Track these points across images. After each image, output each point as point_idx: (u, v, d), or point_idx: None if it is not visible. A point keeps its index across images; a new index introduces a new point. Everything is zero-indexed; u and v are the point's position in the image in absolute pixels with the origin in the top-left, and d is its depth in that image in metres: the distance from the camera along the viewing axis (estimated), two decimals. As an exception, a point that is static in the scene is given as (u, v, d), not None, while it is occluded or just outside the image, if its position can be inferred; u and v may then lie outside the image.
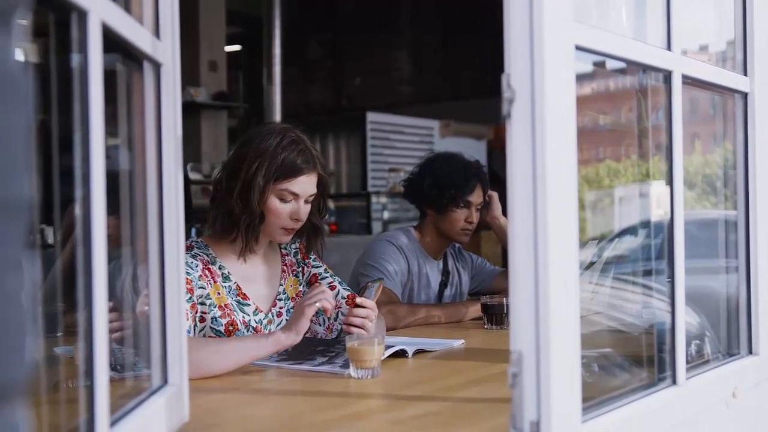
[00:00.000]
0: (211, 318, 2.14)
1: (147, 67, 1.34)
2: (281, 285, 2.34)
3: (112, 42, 1.11)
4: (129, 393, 1.32)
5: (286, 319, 2.29)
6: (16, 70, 0.58)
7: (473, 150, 6.64)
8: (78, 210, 1.03)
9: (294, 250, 2.42)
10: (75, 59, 1.02)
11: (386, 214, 7.55)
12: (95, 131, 1.02)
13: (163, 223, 1.37)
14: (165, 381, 1.37)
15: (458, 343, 2.34)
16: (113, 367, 1.23)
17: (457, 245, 3.19)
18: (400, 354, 2.10)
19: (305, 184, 2.20)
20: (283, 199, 2.18)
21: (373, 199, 7.49)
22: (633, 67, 1.60)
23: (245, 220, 2.17)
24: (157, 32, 1.35)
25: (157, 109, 1.36)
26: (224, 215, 2.19)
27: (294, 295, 2.36)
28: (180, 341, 1.40)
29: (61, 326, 1.73)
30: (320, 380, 1.85)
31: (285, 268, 2.37)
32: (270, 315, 2.28)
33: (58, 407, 1.24)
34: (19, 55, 0.60)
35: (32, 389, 0.63)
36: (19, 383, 0.58)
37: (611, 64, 1.53)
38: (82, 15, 0.99)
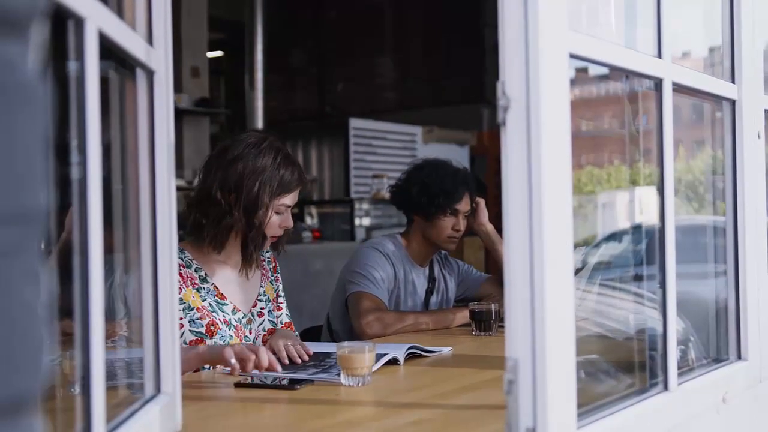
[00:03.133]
0: (190, 321, 2.19)
1: (140, 75, 1.33)
2: (262, 287, 2.41)
3: (107, 49, 1.11)
4: (122, 402, 1.31)
5: (269, 320, 2.39)
6: (33, 80, 0.58)
7: (456, 156, 6.64)
8: (70, 217, 1.03)
9: (268, 259, 2.49)
10: (71, 66, 1.01)
11: (369, 221, 7.53)
12: (92, 138, 1.01)
13: (156, 231, 1.36)
14: (158, 390, 1.36)
15: (447, 350, 2.34)
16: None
17: (443, 252, 3.19)
18: (392, 361, 2.10)
19: (296, 196, 2.32)
20: (278, 213, 2.28)
21: (357, 205, 7.47)
22: (616, 73, 1.61)
23: (254, 239, 2.25)
24: (150, 39, 1.35)
25: (150, 116, 1.36)
26: (225, 231, 2.24)
27: (271, 299, 2.43)
28: (173, 350, 1.39)
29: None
30: (311, 388, 1.84)
31: (264, 271, 2.45)
32: (250, 315, 2.34)
33: (50, 416, 1.23)
34: (36, 64, 0.59)
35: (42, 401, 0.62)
36: (37, 393, 0.58)
37: (593, 69, 1.54)
38: (79, 22, 0.99)
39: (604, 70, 1.57)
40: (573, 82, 1.52)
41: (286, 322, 2.45)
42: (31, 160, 0.57)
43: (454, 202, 2.98)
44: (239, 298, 2.33)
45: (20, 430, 0.56)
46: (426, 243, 3.06)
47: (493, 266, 3.45)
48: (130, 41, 1.21)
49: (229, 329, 2.24)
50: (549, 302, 1.16)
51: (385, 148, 8.17)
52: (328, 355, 2.17)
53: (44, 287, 0.60)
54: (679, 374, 1.57)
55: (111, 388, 1.38)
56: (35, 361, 0.58)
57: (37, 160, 0.58)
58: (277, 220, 2.28)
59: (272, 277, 2.47)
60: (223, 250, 2.28)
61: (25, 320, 0.57)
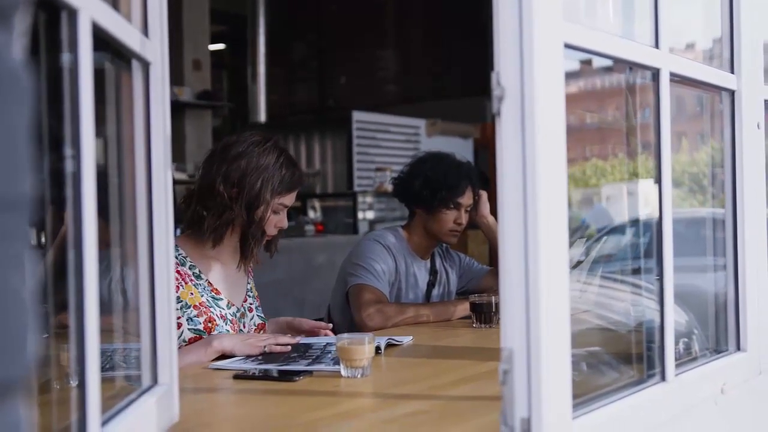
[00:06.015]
0: (187, 319, 2.21)
1: (135, 66, 1.33)
2: (249, 283, 2.46)
3: (101, 40, 1.11)
4: (118, 393, 1.32)
5: (258, 315, 2.44)
6: (17, 68, 0.58)
7: (459, 149, 6.64)
8: (67, 211, 1.03)
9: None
10: (64, 58, 1.01)
11: (373, 214, 7.54)
12: (85, 130, 1.01)
13: (153, 223, 1.36)
14: (155, 381, 1.37)
15: (407, 340, 2.36)
16: (102, 367, 1.23)
17: (444, 244, 3.19)
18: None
19: (294, 197, 2.37)
20: (275, 212, 2.32)
21: (360, 198, 7.47)
22: (620, 65, 1.60)
23: (253, 234, 2.28)
24: (145, 31, 1.35)
25: (146, 108, 1.36)
26: (225, 225, 2.27)
27: (256, 296, 2.49)
28: (170, 341, 1.39)
29: (48, 327, 1.72)
30: (310, 380, 1.85)
31: (250, 270, 2.49)
32: (242, 309, 2.39)
33: (46, 408, 1.23)
34: (20, 53, 0.59)
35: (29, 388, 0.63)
36: (22, 380, 0.59)
37: (597, 62, 1.54)
38: (72, 13, 0.99)
39: (609, 62, 1.57)
40: (577, 74, 1.51)
41: (258, 324, 2.46)
42: (16, 148, 0.58)
43: (457, 196, 2.98)
44: (231, 294, 2.36)
45: (4, 415, 0.56)
46: (428, 236, 3.06)
47: (496, 259, 3.45)
48: (125, 32, 1.21)
49: (226, 324, 2.27)
50: (544, 292, 1.16)
51: (389, 141, 8.17)
52: (309, 346, 2.20)
53: (30, 274, 0.60)
54: (678, 365, 1.57)
55: (109, 379, 1.39)
56: (20, 347, 0.58)
57: (22, 148, 0.59)
58: (273, 219, 2.32)
59: (253, 276, 2.53)
60: (218, 245, 2.29)
61: (10, 306, 0.57)
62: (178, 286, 2.20)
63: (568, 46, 1.24)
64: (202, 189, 2.29)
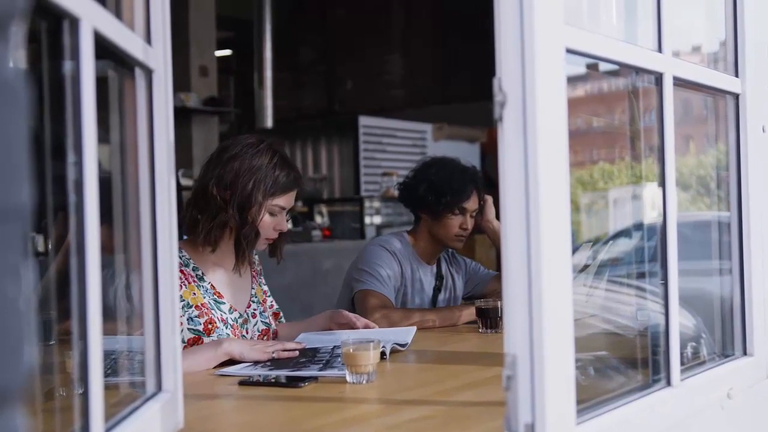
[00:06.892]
0: (188, 318, 2.22)
1: (138, 74, 1.33)
2: (253, 288, 2.46)
3: (104, 48, 1.11)
4: (123, 400, 1.32)
5: (261, 321, 2.43)
6: (13, 78, 0.58)
7: (466, 153, 6.64)
8: (71, 218, 1.03)
9: (256, 260, 2.55)
10: (66, 66, 1.02)
11: (379, 219, 7.53)
12: (87, 138, 1.01)
13: (157, 229, 1.37)
14: (159, 388, 1.37)
15: (411, 333, 2.40)
16: (106, 374, 1.23)
17: (450, 249, 3.19)
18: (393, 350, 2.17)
19: (292, 199, 2.36)
20: (272, 213, 2.32)
21: (366, 203, 7.47)
22: (625, 69, 1.60)
23: (246, 235, 2.28)
24: (148, 38, 1.35)
25: (149, 115, 1.36)
26: (219, 227, 2.28)
27: (261, 301, 2.48)
28: (174, 348, 1.39)
29: (54, 334, 1.73)
30: (315, 386, 1.85)
31: (254, 274, 2.49)
32: (245, 315, 2.39)
33: (50, 415, 1.24)
34: (16, 63, 0.60)
35: (27, 396, 0.63)
36: (18, 388, 0.59)
37: (604, 66, 1.54)
38: (74, 22, 0.99)
39: (616, 66, 1.57)
40: (584, 78, 1.51)
41: (274, 313, 2.51)
42: (13, 157, 0.58)
43: (462, 201, 2.98)
44: (235, 299, 2.37)
45: (2, 422, 0.56)
46: (433, 241, 3.06)
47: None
48: (128, 40, 1.21)
49: (226, 328, 2.27)
50: (546, 297, 1.15)
51: (395, 146, 8.17)
52: (317, 350, 2.20)
53: (28, 283, 0.61)
54: (684, 370, 1.56)
55: (113, 386, 1.39)
56: (16, 356, 0.58)
57: (19, 158, 0.59)
58: (270, 222, 2.31)
59: (260, 280, 2.53)
60: (217, 249, 2.30)
61: (6, 315, 0.57)
62: (180, 285, 2.21)
63: (569, 51, 1.24)
64: (197, 192, 2.31)
